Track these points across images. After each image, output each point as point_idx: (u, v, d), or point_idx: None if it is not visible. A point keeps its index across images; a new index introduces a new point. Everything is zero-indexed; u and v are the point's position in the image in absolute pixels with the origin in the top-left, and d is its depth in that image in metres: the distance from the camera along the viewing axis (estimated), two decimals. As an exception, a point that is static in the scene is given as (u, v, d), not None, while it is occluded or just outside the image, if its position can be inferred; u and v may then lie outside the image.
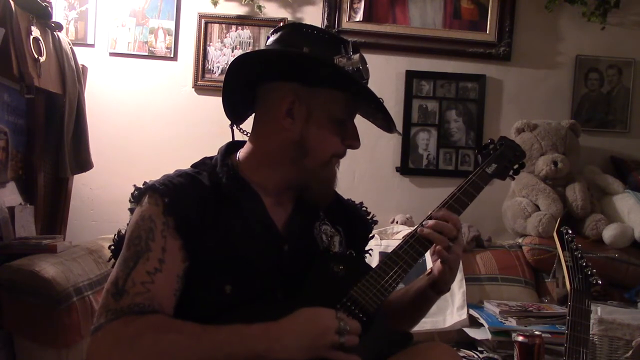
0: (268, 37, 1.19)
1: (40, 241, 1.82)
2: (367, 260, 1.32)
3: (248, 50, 2.64)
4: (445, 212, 1.16)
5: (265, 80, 1.14)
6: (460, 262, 1.27)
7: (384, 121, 1.21)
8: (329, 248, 1.18)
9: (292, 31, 1.17)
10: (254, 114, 1.20)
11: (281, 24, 2.57)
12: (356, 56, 1.12)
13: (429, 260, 2.20)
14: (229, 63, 1.14)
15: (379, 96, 1.14)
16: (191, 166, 1.18)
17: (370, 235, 1.35)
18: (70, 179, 2.30)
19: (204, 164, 1.17)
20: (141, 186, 1.09)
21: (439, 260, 1.16)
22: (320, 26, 2.58)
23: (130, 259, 0.99)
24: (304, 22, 2.61)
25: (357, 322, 0.99)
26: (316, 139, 1.12)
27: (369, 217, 1.34)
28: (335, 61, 1.10)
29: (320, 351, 0.95)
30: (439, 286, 1.20)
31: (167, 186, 1.06)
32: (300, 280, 1.08)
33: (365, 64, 1.14)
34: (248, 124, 1.23)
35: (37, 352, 1.62)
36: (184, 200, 1.05)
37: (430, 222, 1.15)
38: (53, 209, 2.23)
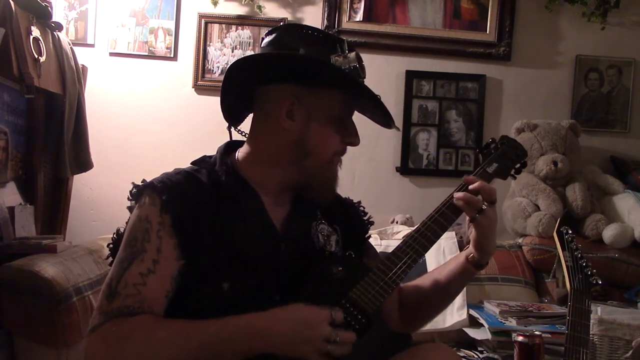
0: (263, 39, 1.19)
1: (40, 241, 1.82)
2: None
3: (248, 50, 2.65)
4: (478, 184, 1.15)
5: (262, 82, 1.14)
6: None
7: (382, 117, 1.21)
8: (324, 247, 1.18)
9: (287, 32, 1.17)
10: (252, 114, 1.20)
11: (281, 23, 2.57)
12: (352, 54, 1.12)
13: (429, 261, 2.20)
14: (227, 68, 1.14)
15: (377, 94, 1.14)
16: (191, 163, 1.18)
17: (367, 235, 1.35)
18: (70, 179, 2.30)
19: (203, 162, 1.18)
20: (140, 184, 1.09)
21: (472, 226, 1.15)
22: (320, 26, 2.62)
23: (125, 260, 1.00)
24: (301, 23, 2.62)
25: (350, 333, 0.97)
26: (317, 139, 1.12)
27: (365, 218, 1.34)
28: (331, 60, 1.10)
29: (305, 354, 0.95)
30: (477, 258, 1.18)
31: (164, 184, 1.06)
32: (298, 280, 1.08)
33: (361, 61, 1.13)
34: (246, 125, 1.23)
35: (37, 352, 1.62)
36: (181, 198, 1.05)
37: (460, 194, 1.14)
38: (53, 209, 2.23)
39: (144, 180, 1.09)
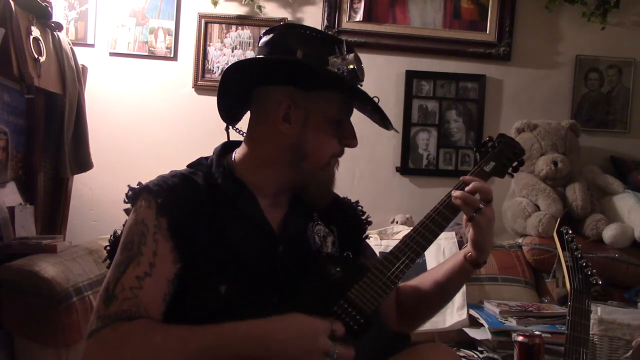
0: (260, 37, 1.17)
1: (40, 241, 1.82)
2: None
3: (248, 50, 2.65)
4: (475, 184, 1.15)
5: (260, 83, 1.14)
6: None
7: (380, 119, 1.21)
8: (321, 249, 1.17)
9: (285, 33, 1.16)
10: (249, 114, 1.19)
11: (281, 23, 2.57)
12: (350, 56, 1.11)
13: (429, 261, 2.20)
14: (224, 70, 1.13)
15: (377, 96, 1.14)
16: (187, 166, 1.17)
17: (365, 235, 1.34)
18: (70, 179, 2.30)
19: (199, 164, 1.17)
20: (136, 186, 1.09)
21: (470, 224, 1.15)
22: (320, 26, 2.62)
23: (122, 263, 0.99)
24: (301, 23, 2.62)
25: (349, 349, 0.97)
26: (314, 141, 1.12)
27: (363, 218, 1.33)
28: (329, 61, 1.09)
29: None
30: (475, 256, 1.18)
31: (160, 187, 1.06)
32: (295, 281, 1.08)
33: (360, 63, 1.13)
34: (243, 123, 1.23)
35: (37, 352, 1.62)
36: (177, 201, 1.05)
37: (458, 192, 1.13)
38: (53, 209, 2.23)
39: (139, 183, 1.09)
